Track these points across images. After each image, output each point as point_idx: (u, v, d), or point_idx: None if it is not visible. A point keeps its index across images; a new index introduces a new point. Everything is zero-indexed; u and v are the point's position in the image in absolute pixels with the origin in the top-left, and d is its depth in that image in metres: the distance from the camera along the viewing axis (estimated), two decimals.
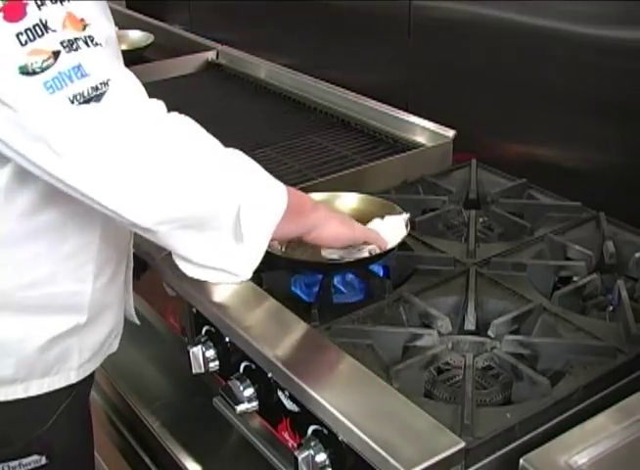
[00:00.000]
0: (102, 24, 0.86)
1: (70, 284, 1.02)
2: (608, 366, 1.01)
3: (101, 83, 0.82)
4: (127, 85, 0.85)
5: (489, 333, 1.09)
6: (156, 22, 2.53)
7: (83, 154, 0.82)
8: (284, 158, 1.61)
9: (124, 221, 0.87)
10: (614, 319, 1.13)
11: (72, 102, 0.81)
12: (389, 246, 1.15)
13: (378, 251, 1.14)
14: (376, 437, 0.89)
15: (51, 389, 1.04)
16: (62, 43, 0.81)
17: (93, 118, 0.82)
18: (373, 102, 1.76)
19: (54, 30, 0.81)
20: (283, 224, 0.96)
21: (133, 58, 2.18)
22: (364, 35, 1.85)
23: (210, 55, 2.25)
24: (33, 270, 0.99)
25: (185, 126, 0.91)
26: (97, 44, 0.84)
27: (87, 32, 0.83)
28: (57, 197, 0.93)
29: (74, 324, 1.04)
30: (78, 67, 0.81)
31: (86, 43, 0.83)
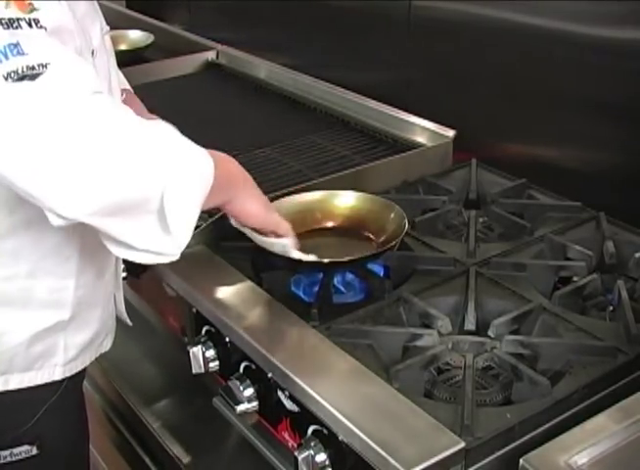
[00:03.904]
0: (54, 13, 0.86)
1: (52, 279, 1.03)
2: (608, 366, 1.01)
3: (39, 65, 0.81)
4: (68, 72, 0.84)
5: (489, 333, 1.09)
6: (156, 22, 2.53)
7: (7, 134, 0.80)
8: (284, 158, 1.61)
9: (46, 210, 0.84)
10: (614, 319, 1.13)
11: (6, 79, 0.80)
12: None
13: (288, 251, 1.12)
14: (376, 437, 0.89)
15: (32, 384, 1.04)
16: (1, 20, 0.81)
17: (23, 97, 0.80)
18: (373, 102, 1.76)
19: None
20: (208, 199, 0.94)
21: (133, 58, 2.18)
22: (364, 35, 1.84)
23: (210, 55, 2.25)
24: (14, 264, 1.00)
25: (113, 113, 0.87)
26: (41, 27, 0.83)
27: (33, 15, 0.83)
28: None
29: (57, 320, 1.04)
30: (15, 44, 0.81)
31: (29, 24, 0.83)
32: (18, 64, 0.80)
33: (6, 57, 0.80)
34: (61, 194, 0.82)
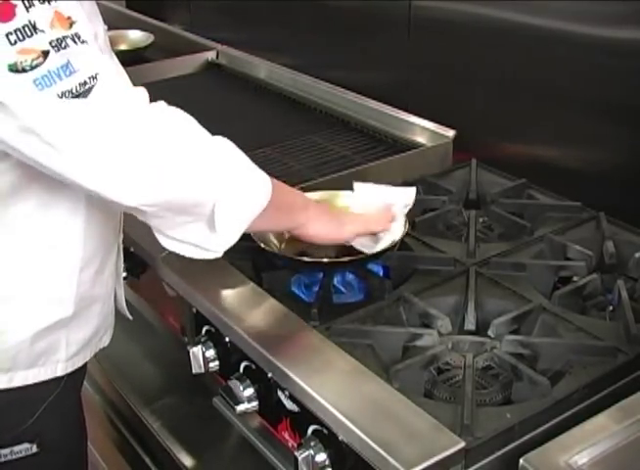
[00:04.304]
0: (87, 23, 0.89)
1: (54, 276, 1.03)
2: (608, 366, 1.01)
3: (89, 78, 0.85)
4: (114, 78, 0.89)
5: (489, 333, 1.09)
6: (156, 22, 2.53)
7: (73, 144, 0.85)
8: (284, 158, 1.61)
9: (109, 201, 0.90)
10: (614, 319, 1.13)
11: (61, 97, 0.84)
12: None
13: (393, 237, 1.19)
14: (376, 437, 0.89)
15: (36, 381, 1.04)
16: (50, 43, 0.84)
17: (81, 112, 0.85)
18: (373, 102, 1.76)
19: (42, 31, 0.84)
20: (262, 220, 1.00)
21: (133, 58, 2.18)
22: (364, 35, 1.84)
23: (210, 55, 2.25)
24: (16, 260, 1.00)
25: (171, 116, 0.93)
26: (84, 41, 0.86)
27: (74, 30, 0.86)
28: (33, 187, 0.96)
29: (60, 317, 1.04)
30: (67, 64, 0.84)
31: (74, 41, 0.86)
32: (72, 83, 0.84)
33: (60, 78, 0.84)
34: (118, 186, 0.88)
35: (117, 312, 1.21)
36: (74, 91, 0.84)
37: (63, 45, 0.85)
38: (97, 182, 0.87)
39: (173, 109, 0.94)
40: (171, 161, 0.90)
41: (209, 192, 0.94)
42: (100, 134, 0.86)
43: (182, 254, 1.00)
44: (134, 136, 0.88)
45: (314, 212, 1.14)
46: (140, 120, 0.89)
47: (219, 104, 1.96)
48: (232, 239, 0.99)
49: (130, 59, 2.10)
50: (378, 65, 1.84)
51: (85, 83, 0.85)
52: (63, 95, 0.84)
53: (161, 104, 0.93)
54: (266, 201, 0.99)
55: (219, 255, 1.01)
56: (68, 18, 0.86)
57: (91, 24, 0.91)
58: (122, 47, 2.31)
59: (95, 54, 0.88)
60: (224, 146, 0.97)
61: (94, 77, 0.85)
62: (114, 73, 0.90)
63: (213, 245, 0.99)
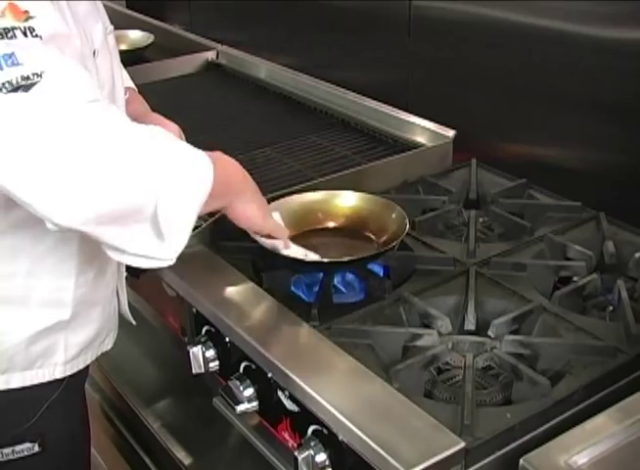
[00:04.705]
0: (49, 20, 0.86)
1: (52, 278, 1.03)
2: (608, 366, 1.01)
3: (33, 74, 0.81)
4: (62, 81, 0.84)
5: (489, 333, 1.09)
6: (156, 22, 2.53)
7: (1, 144, 0.80)
8: (284, 158, 1.61)
9: (41, 217, 0.85)
10: (614, 319, 1.13)
11: (1, 89, 0.80)
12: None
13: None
14: (376, 437, 0.89)
15: (34, 382, 1.04)
16: None
17: (16, 108, 0.81)
18: (373, 102, 1.76)
19: None
20: (206, 204, 0.94)
21: (133, 58, 2.18)
22: (364, 35, 1.84)
23: (210, 55, 2.25)
24: (13, 263, 1.00)
25: (106, 122, 0.87)
26: (36, 36, 0.84)
27: (28, 24, 0.83)
28: None
29: (57, 320, 1.04)
30: (10, 55, 0.81)
31: (24, 33, 0.83)
32: (12, 74, 0.81)
33: (0, 67, 0.81)
34: (54, 203, 0.83)
35: (121, 316, 1.21)
36: (15, 83, 0.80)
37: (9, 35, 0.82)
38: (20, 190, 0.82)
39: (113, 113, 0.88)
40: (105, 172, 0.84)
41: (146, 198, 0.87)
42: (33, 136, 0.81)
43: (133, 265, 0.93)
44: (68, 144, 0.82)
45: (251, 195, 1.07)
46: (78, 129, 0.83)
47: (219, 104, 1.96)
48: (182, 239, 0.92)
49: (130, 59, 2.09)
50: (378, 65, 1.84)
51: (28, 78, 0.81)
52: (2, 86, 0.80)
53: (102, 107, 0.87)
54: (207, 189, 0.92)
55: (171, 262, 0.93)
56: (25, 12, 0.83)
57: (74, 25, 0.89)
58: (122, 47, 2.30)
59: (46, 52, 0.84)
60: (157, 140, 0.90)
61: (39, 74, 0.81)
62: (66, 76, 0.84)
63: (163, 251, 0.92)
